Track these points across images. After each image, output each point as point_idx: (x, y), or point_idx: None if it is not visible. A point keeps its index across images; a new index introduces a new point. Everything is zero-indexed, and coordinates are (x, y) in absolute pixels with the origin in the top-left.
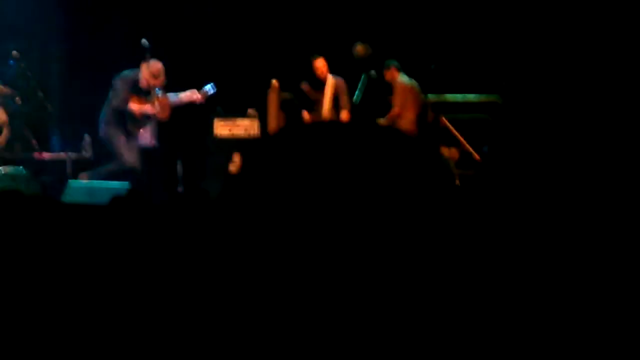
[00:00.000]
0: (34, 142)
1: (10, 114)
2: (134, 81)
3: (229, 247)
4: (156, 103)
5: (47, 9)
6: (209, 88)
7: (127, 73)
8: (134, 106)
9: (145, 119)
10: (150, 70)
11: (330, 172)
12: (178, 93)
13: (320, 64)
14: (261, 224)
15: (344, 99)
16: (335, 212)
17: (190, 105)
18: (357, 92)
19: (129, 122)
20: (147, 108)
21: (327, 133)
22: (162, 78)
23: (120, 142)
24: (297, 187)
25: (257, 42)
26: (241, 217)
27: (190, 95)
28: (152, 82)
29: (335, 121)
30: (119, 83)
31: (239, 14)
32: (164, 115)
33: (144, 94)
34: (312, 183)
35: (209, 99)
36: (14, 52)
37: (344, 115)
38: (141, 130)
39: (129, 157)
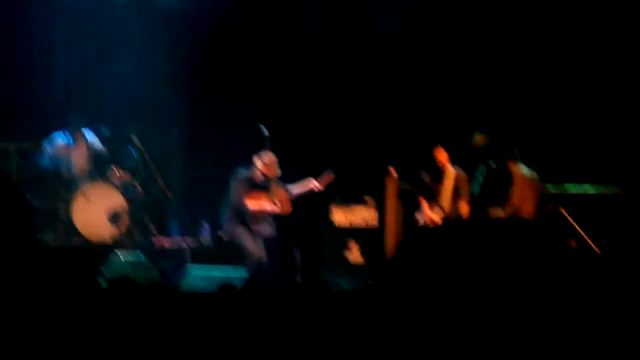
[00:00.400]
0: (153, 228)
1: (129, 200)
2: (248, 178)
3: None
4: (275, 199)
5: (167, 95)
6: (326, 174)
7: (241, 171)
8: (252, 204)
9: (265, 215)
10: (263, 161)
11: (463, 267)
12: (295, 184)
13: (441, 154)
14: (406, 315)
15: (464, 190)
16: (471, 302)
17: (310, 193)
18: (476, 182)
19: (248, 218)
20: (266, 204)
21: (455, 231)
22: (276, 169)
23: (244, 238)
24: (431, 281)
25: (376, 131)
26: (386, 309)
27: (307, 183)
28: (267, 172)
29: (462, 218)
30: (235, 182)
31: (359, 102)
32: (285, 209)
33: (261, 188)
34: (447, 278)
35: (327, 185)
36: (134, 139)
37: (464, 206)
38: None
39: (254, 250)
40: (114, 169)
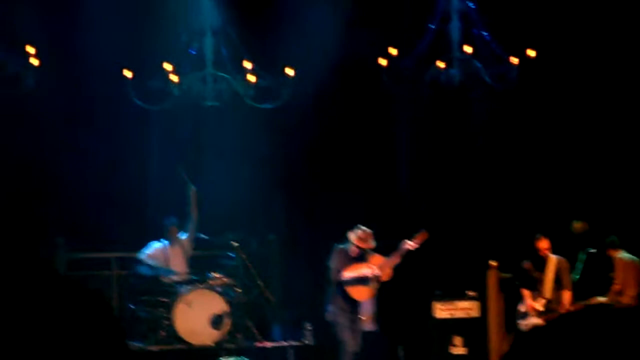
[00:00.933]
0: (255, 331)
1: (231, 305)
2: (345, 253)
3: None
4: (372, 264)
5: (263, 198)
6: (420, 233)
7: (337, 247)
8: (349, 273)
9: (365, 280)
10: (358, 235)
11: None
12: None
13: (543, 244)
14: None
15: (566, 278)
16: None
17: (408, 253)
18: (577, 270)
19: (351, 284)
20: (364, 270)
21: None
22: (371, 241)
23: (343, 332)
24: None
25: (476, 223)
26: None
27: (403, 248)
28: (362, 245)
29: (565, 307)
30: (332, 259)
31: (456, 196)
32: (384, 275)
33: (358, 261)
34: None
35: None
36: (234, 243)
37: (566, 295)
38: (363, 315)
39: (352, 343)
40: (215, 274)
